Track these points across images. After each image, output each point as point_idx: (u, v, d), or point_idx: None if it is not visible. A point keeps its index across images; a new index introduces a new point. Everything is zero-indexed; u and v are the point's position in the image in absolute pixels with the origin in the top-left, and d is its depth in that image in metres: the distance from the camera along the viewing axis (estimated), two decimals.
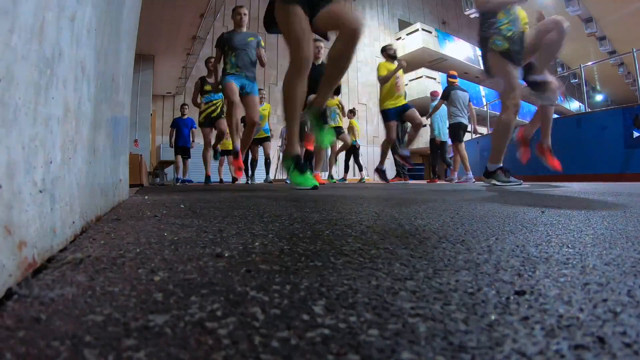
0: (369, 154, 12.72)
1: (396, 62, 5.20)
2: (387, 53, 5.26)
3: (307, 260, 0.41)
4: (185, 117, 7.49)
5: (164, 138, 10.62)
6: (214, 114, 5.56)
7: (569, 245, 0.47)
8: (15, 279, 0.30)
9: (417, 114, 5.08)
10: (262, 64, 4.22)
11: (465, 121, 6.15)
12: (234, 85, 4.00)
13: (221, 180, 6.81)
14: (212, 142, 5.77)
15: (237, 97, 3.92)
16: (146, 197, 1.54)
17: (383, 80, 5.06)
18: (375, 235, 0.57)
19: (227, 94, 4.01)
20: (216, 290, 0.30)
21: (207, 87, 5.54)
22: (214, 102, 5.59)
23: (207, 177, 5.62)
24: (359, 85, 13.76)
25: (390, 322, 0.24)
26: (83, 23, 0.54)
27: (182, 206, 1.08)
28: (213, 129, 5.67)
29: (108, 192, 0.89)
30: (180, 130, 7.39)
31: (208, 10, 6.86)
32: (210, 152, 5.78)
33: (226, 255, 0.43)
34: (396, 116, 5.18)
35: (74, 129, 0.50)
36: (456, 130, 6.11)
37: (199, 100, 5.58)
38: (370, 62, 13.80)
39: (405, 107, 5.14)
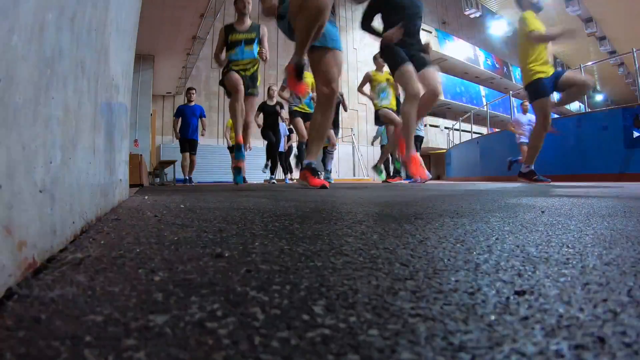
0: (369, 154, 12.71)
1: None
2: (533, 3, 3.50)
3: (307, 260, 0.41)
4: (193, 103, 6.16)
5: (164, 138, 10.60)
6: (243, 73, 3.60)
7: (569, 245, 0.47)
8: (15, 279, 0.30)
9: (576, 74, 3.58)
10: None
11: (422, 134, 6.55)
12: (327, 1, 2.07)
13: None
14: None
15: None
16: (146, 197, 1.54)
17: (538, 38, 3.40)
18: (375, 235, 0.57)
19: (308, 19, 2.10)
20: (216, 290, 0.30)
21: (237, 37, 3.62)
22: (242, 62, 3.63)
23: (237, 170, 3.69)
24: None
25: (390, 322, 0.24)
26: (83, 23, 0.54)
27: (182, 206, 1.08)
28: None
29: (108, 192, 0.89)
30: (186, 119, 6.05)
31: (208, 10, 6.86)
32: (241, 103, 3.55)
33: (226, 255, 0.43)
34: (551, 88, 3.47)
35: (74, 129, 0.50)
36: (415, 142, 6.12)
37: (222, 57, 3.74)
38: (370, 62, 13.79)
39: (558, 74, 3.47)
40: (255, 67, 3.75)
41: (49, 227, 0.39)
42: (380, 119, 5.20)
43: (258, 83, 3.82)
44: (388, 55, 3.19)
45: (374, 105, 5.27)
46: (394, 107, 5.05)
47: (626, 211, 0.86)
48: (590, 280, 0.33)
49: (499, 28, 17.47)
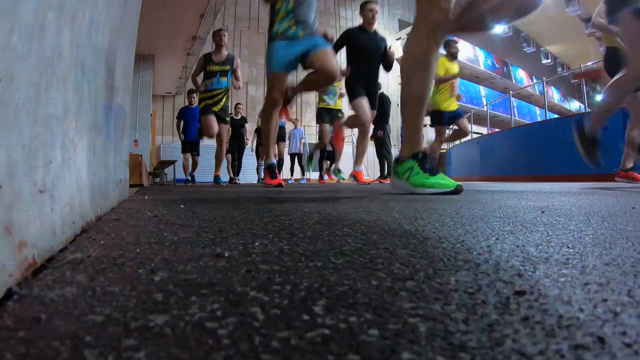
0: (369, 154, 12.67)
1: (456, 63, 4.79)
2: (450, 50, 4.74)
3: (307, 260, 0.41)
4: (194, 106, 6.34)
5: (164, 138, 10.60)
6: (216, 108, 4.49)
7: (569, 245, 0.47)
8: (15, 279, 0.30)
9: (467, 124, 5.00)
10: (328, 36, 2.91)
11: None
12: (281, 78, 2.82)
13: (232, 180, 6.34)
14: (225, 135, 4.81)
15: (279, 94, 2.88)
16: (146, 197, 1.54)
17: (439, 80, 4.68)
18: (375, 235, 0.57)
19: (271, 85, 2.85)
20: (216, 290, 0.30)
21: (213, 68, 4.41)
22: (215, 92, 4.48)
23: (216, 177, 4.90)
24: None
25: (390, 322, 0.24)
26: (83, 23, 0.54)
27: (182, 206, 1.08)
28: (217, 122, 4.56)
29: (108, 192, 0.89)
30: (188, 122, 6.35)
31: (208, 10, 6.86)
32: (223, 148, 4.86)
33: (226, 255, 0.43)
34: (448, 121, 4.93)
35: (74, 129, 0.50)
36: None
37: (200, 82, 4.56)
38: None
39: (457, 114, 4.94)
40: (225, 96, 4.57)
41: (49, 227, 0.39)
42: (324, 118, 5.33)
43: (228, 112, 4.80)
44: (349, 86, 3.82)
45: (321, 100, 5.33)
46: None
47: (626, 211, 0.86)
48: (590, 280, 0.33)
49: (498, 28, 17.44)
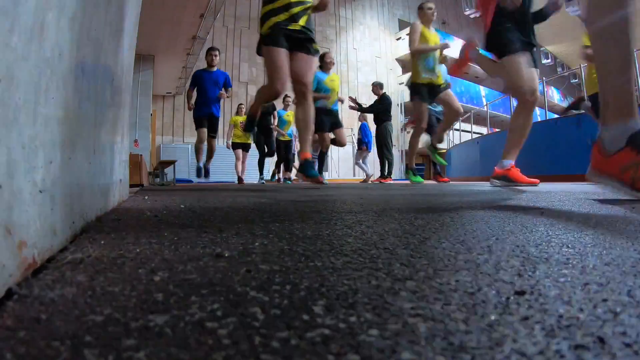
0: (369, 154, 12.69)
1: None
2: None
3: (307, 260, 0.41)
4: (214, 69, 4.42)
5: (164, 138, 10.59)
6: (293, 26, 2.44)
7: (569, 245, 0.47)
8: (15, 279, 0.30)
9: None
10: None
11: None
12: None
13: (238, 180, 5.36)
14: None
15: None
16: (146, 197, 1.54)
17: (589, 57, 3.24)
18: (375, 235, 0.57)
19: None
20: (216, 290, 0.30)
21: None
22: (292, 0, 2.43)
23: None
24: (359, 85, 13.75)
25: (390, 322, 0.24)
26: (83, 23, 0.54)
27: (182, 206, 1.08)
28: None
29: (108, 192, 0.89)
30: (204, 89, 4.34)
31: (208, 10, 6.86)
32: (311, 107, 2.53)
33: (226, 255, 0.43)
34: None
35: (74, 129, 0.50)
36: None
37: None
38: (370, 62, 13.79)
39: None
40: (309, 12, 2.53)
41: (49, 227, 0.39)
42: (423, 95, 3.75)
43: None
44: (497, 36, 2.37)
45: (416, 73, 3.79)
46: None
47: (626, 211, 0.86)
48: (590, 280, 0.33)
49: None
